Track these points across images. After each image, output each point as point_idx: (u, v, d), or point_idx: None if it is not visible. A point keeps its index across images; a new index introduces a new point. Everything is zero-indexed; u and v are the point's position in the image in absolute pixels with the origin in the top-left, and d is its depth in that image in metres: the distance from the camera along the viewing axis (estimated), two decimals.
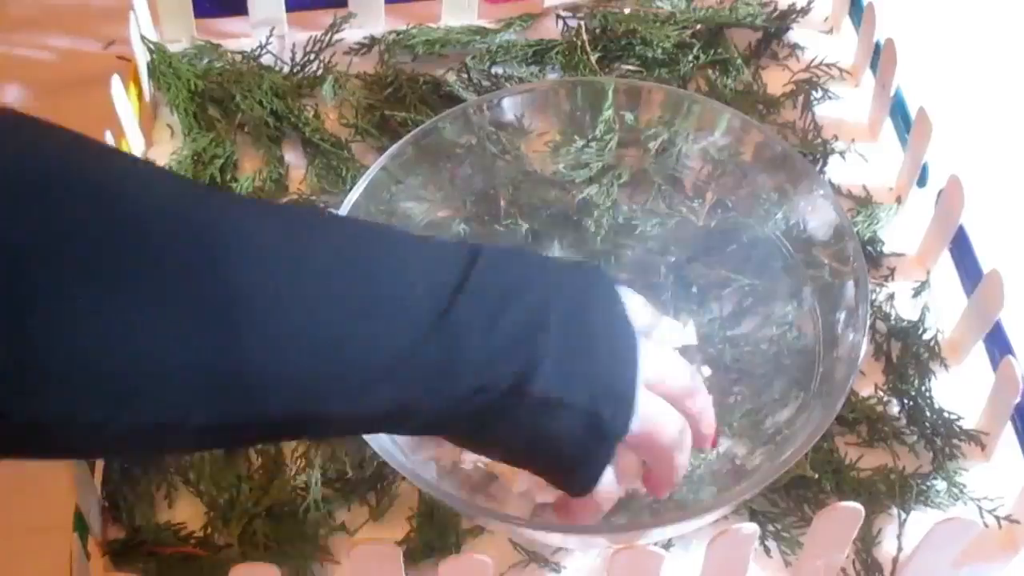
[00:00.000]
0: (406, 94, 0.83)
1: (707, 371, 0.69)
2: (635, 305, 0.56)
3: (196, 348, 0.43)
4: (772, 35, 0.88)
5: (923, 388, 0.69)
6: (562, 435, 0.52)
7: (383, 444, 0.59)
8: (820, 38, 0.89)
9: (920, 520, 0.64)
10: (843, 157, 0.81)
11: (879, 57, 0.81)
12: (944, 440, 0.67)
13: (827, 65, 0.86)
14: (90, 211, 0.42)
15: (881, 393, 0.70)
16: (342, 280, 0.47)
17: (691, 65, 0.86)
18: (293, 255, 0.46)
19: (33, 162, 0.41)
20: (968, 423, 0.68)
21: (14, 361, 0.40)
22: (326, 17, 0.88)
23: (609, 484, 0.56)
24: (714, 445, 0.61)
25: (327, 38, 0.87)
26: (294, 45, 0.87)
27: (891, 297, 0.74)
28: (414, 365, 0.48)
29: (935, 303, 0.74)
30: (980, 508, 0.65)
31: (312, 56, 0.86)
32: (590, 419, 0.52)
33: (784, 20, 0.89)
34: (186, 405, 0.44)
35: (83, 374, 0.41)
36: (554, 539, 0.63)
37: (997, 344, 0.68)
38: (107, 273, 0.41)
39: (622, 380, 0.53)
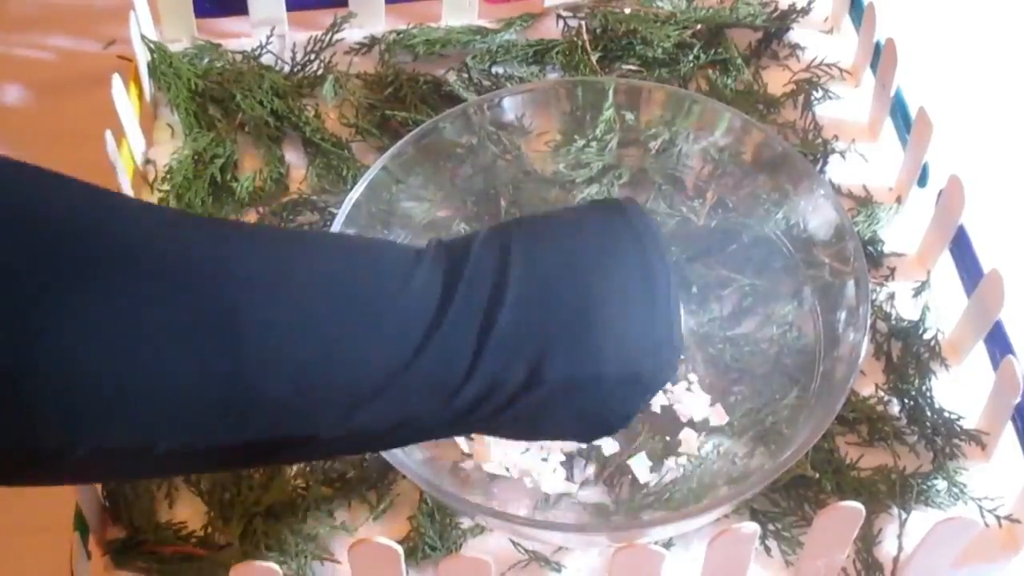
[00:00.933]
0: (406, 94, 0.83)
1: (694, 377, 0.69)
2: None
3: (186, 368, 0.43)
4: (772, 35, 0.88)
5: (923, 388, 0.69)
6: (598, 407, 0.50)
7: None
8: (820, 38, 0.89)
9: (920, 520, 0.64)
10: (843, 157, 0.81)
11: (879, 57, 0.81)
12: (944, 440, 0.67)
13: (827, 65, 0.86)
14: (79, 237, 0.42)
15: (881, 393, 0.70)
16: (327, 300, 0.46)
17: (691, 65, 0.85)
18: (279, 277, 0.46)
19: (23, 198, 0.42)
20: (968, 423, 0.68)
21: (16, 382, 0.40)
22: (326, 17, 0.88)
23: None
24: None
25: (327, 38, 0.87)
26: (294, 45, 0.87)
27: (891, 297, 0.74)
28: (408, 379, 0.47)
29: (935, 303, 0.74)
30: (980, 508, 0.65)
31: (312, 56, 0.86)
32: (628, 379, 0.50)
33: (784, 20, 0.89)
34: (165, 424, 0.43)
35: (76, 393, 0.41)
36: (555, 538, 0.63)
37: (997, 344, 0.68)
38: (95, 294, 0.41)
39: (663, 326, 0.50)
